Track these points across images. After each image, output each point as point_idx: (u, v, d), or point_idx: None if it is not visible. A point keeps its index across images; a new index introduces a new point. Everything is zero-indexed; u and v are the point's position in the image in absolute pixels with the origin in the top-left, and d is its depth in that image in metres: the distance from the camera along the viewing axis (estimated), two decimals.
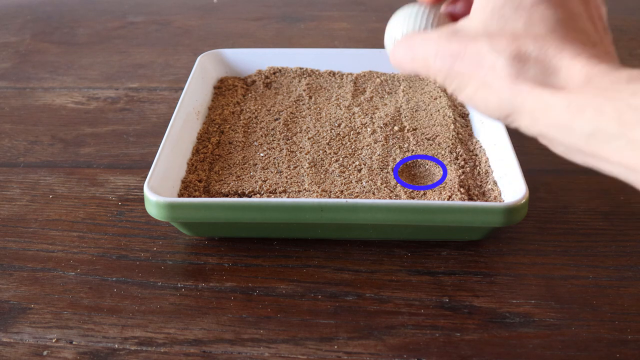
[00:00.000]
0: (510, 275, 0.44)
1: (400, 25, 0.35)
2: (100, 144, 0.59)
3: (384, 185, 0.48)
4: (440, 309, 0.42)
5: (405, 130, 0.54)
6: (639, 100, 0.25)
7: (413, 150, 0.52)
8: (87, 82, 0.71)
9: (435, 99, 0.58)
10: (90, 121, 0.63)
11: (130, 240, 0.48)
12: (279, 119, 0.56)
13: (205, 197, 0.47)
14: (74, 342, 0.40)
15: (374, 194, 0.47)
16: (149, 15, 0.89)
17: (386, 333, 0.40)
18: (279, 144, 0.53)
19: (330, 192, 0.47)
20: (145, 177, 0.45)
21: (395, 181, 0.48)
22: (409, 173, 0.50)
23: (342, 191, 0.47)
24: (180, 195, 0.47)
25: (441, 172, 0.49)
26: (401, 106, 0.58)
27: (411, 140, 0.53)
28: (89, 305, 0.42)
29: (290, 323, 0.41)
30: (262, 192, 0.47)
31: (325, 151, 0.52)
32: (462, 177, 0.48)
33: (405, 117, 0.56)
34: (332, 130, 0.54)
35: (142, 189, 0.46)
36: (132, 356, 0.39)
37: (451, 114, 0.56)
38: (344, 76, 0.63)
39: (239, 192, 0.47)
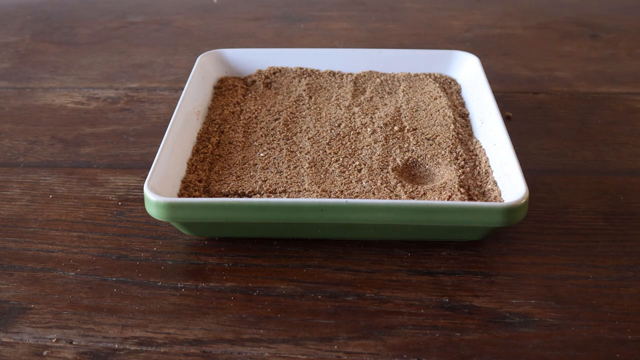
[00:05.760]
0: (510, 275, 0.44)
1: None
2: (100, 144, 0.59)
3: (384, 185, 0.48)
4: (440, 309, 0.42)
5: (405, 130, 0.54)
6: None
7: (413, 150, 0.52)
8: (87, 82, 0.71)
9: (435, 99, 0.58)
10: (90, 121, 0.63)
11: (130, 240, 0.48)
12: (279, 119, 0.56)
13: (205, 197, 0.47)
14: (74, 342, 0.40)
15: (374, 194, 0.47)
16: (149, 15, 0.90)
17: (386, 333, 0.40)
18: (279, 144, 0.53)
19: (330, 192, 0.47)
20: (145, 177, 0.45)
21: (395, 181, 0.48)
22: (409, 173, 0.50)
23: (342, 191, 0.47)
24: (180, 195, 0.47)
25: (441, 172, 0.50)
26: (401, 106, 0.58)
27: (411, 140, 0.53)
28: (89, 305, 0.42)
29: (290, 323, 0.41)
30: (262, 192, 0.47)
31: (325, 151, 0.52)
32: (462, 177, 0.48)
33: (405, 117, 0.56)
34: (332, 130, 0.54)
35: (142, 189, 0.46)
36: (132, 356, 0.39)
37: (451, 114, 0.56)
38: (344, 76, 0.63)
39: (239, 192, 0.47)
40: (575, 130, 0.61)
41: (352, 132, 0.54)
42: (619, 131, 0.60)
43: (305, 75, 0.63)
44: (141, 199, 0.51)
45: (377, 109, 0.57)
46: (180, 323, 0.41)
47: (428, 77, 0.62)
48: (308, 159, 0.51)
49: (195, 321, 0.41)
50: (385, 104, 0.58)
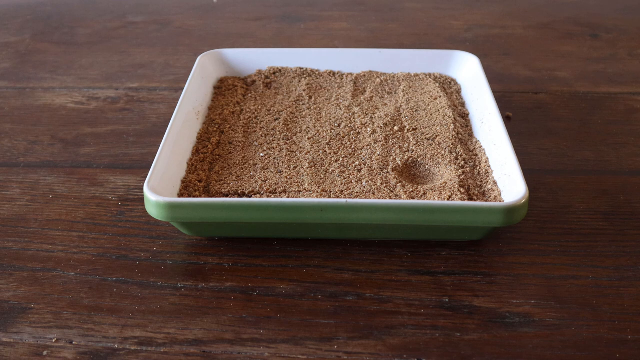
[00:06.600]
0: (510, 275, 0.44)
1: None
2: (100, 144, 0.59)
3: (384, 185, 0.48)
4: (440, 309, 0.42)
5: (405, 130, 0.54)
6: None
7: (413, 150, 0.52)
8: (87, 82, 0.71)
9: (435, 99, 0.58)
10: (90, 121, 0.63)
11: (130, 240, 0.48)
12: (279, 119, 0.56)
13: (205, 197, 0.47)
14: (74, 342, 0.40)
15: (374, 194, 0.47)
16: (149, 15, 0.90)
17: (386, 333, 0.40)
18: (279, 144, 0.53)
19: (330, 192, 0.47)
20: (145, 177, 0.45)
21: (395, 181, 0.48)
22: (409, 173, 0.50)
23: (342, 191, 0.47)
24: (180, 195, 0.47)
25: (441, 172, 0.50)
26: (401, 106, 0.58)
27: (411, 140, 0.53)
28: (89, 305, 0.42)
29: (290, 323, 0.41)
30: (262, 192, 0.47)
31: (325, 151, 0.52)
32: (462, 177, 0.48)
33: (405, 117, 0.56)
34: (332, 130, 0.54)
35: (142, 189, 0.46)
36: (132, 356, 0.39)
37: (451, 114, 0.56)
38: (344, 76, 0.63)
39: (239, 192, 0.47)
40: (575, 130, 0.61)
41: (352, 132, 0.54)
42: (619, 131, 0.60)
43: (305, 75, 0.63)
44: (141, 199, 0.51)
45: (377, 109, 0.57)
46: (180, 323, 0.41)
47: (428, 77, 0.62)
48: (308, 159, 0.51)
49: (195, 321, 0.41)
50: (385, 104, 0.58)
